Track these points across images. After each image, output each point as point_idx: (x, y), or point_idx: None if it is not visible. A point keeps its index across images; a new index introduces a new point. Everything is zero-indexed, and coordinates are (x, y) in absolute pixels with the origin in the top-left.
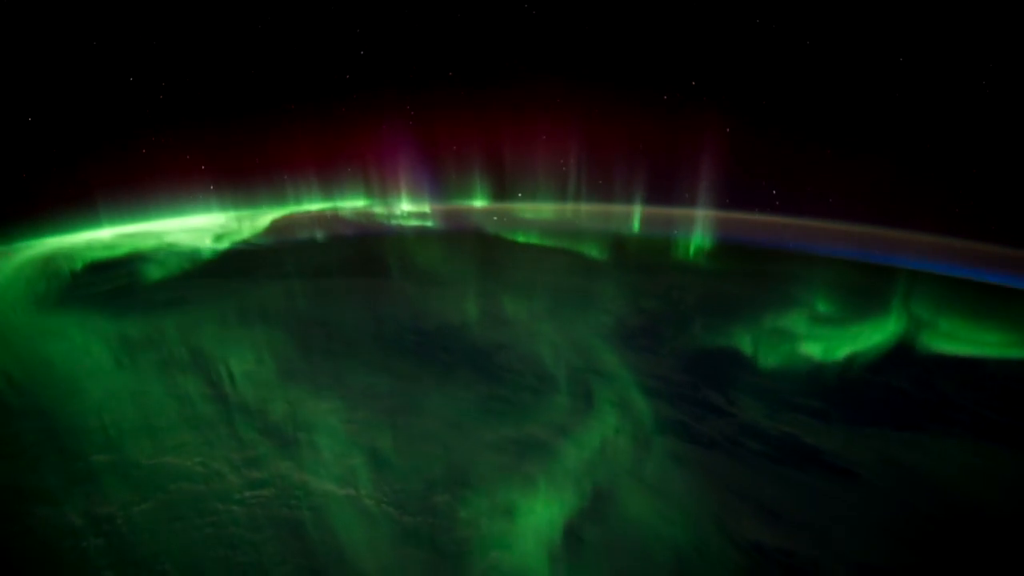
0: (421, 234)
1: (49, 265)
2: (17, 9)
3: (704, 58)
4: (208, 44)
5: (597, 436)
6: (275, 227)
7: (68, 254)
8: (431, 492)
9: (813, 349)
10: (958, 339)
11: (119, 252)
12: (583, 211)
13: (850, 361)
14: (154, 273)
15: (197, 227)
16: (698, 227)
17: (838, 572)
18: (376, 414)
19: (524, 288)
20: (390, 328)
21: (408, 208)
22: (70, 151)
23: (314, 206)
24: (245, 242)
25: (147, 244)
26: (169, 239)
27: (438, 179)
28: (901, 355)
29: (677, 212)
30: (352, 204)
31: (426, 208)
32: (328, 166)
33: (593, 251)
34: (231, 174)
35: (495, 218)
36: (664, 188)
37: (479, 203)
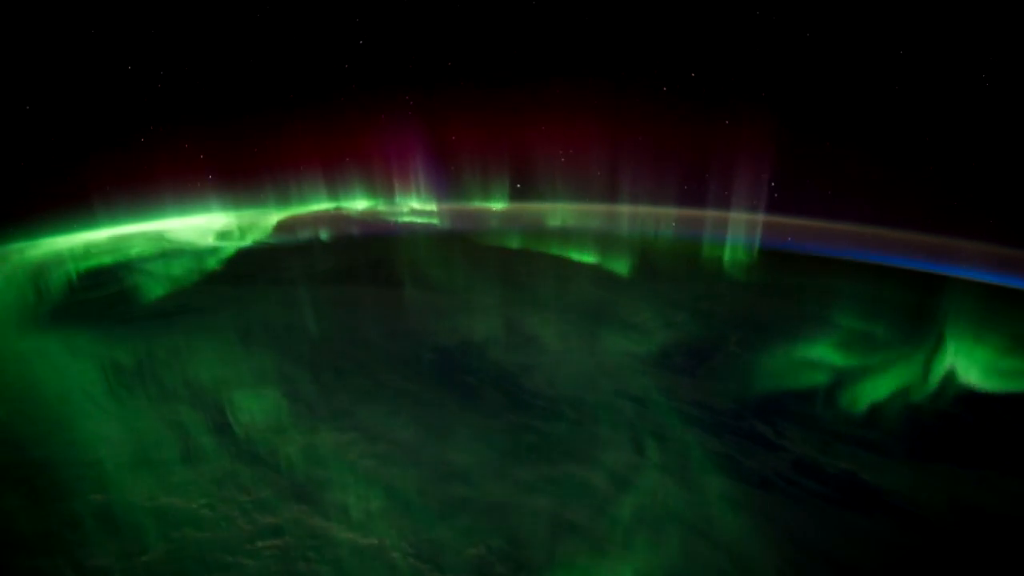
0: (430, 236)
1: (43, 272)
2: (13, 6)
3: (740, 53)
4: (208, 36)
5: (642, 476)
6: (280, 227)
7: (65, 258)
8: (465, 544)
9: (862, 372)
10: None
11: (117, 256)
12: (602, 213)
13: (905, 388)
14: (153, 279)
15: (199, 227)
16: (732, 232)
17: None
18: (397, 447)
19: (545, 299)
20: (406, 345)
21: (415, 207)
22: (70, 151)
23: (319, 205)
24: (249, 243)
25: (147, 246)
26: (170, 240)
27: (447, 177)
28: (959, 381)
29: (707, 215)
30: (358, 203)
31: (434, 207)
32: (333, 164)
33: (617, 257)
34: (234, 172)
35: (508, 220)
36: (691, 189)
37: (490, 203)
